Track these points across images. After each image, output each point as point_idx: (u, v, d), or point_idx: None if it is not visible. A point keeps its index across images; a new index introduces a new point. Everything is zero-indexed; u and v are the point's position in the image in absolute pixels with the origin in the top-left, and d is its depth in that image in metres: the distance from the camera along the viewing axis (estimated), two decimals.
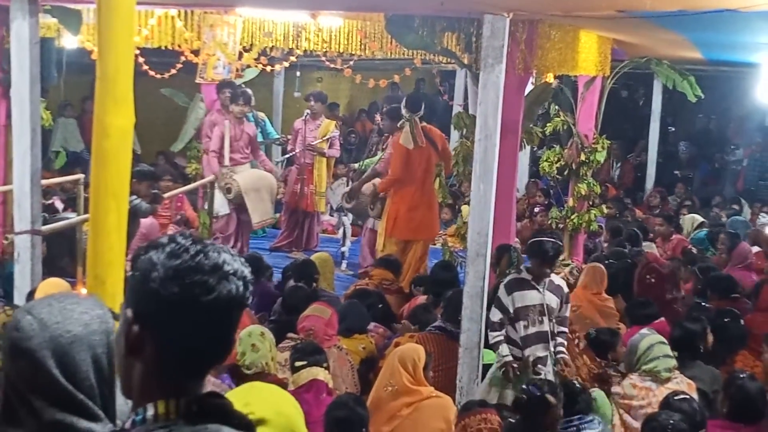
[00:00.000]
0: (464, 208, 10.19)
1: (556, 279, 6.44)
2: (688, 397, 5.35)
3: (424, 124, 9.52)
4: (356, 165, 11.44)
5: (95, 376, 2.03)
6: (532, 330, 6.22)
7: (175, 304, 1.77)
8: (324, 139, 11.28)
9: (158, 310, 1.78)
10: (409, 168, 9.36)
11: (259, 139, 12.29)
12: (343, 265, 10.55)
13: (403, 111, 9.38)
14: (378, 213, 9.76)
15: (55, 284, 6.69)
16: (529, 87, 8.16)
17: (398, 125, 9.58)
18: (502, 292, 6.25)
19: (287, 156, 12.13)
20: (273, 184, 10.81)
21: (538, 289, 6.25)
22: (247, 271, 1.84)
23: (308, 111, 11.26)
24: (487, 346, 6.30)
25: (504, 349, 6.17)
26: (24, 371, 2.02)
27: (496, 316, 6.24)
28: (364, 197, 10.11)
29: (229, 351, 1.88)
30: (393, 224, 9.53)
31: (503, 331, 6.22)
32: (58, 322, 2.03)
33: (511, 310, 6.21)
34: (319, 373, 5.52)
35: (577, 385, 5.49)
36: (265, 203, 10.63)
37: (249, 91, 11.87)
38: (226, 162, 10.28)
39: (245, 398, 2.57)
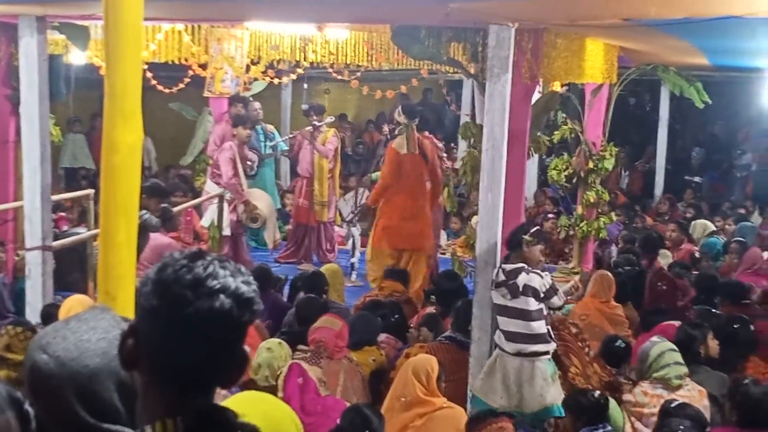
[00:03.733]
0: (474, 218, 10.21)
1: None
2: (683, 402, 5.34)
3: (418, 135, 9.59)
4: (373, 175, 11.46)
5: (120, 399, 2.02)
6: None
7: (155, 317, 1.77)
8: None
9: (143, 323, 1.79)
10: (399, 176, 9.41)
11: (268, 151, 12.38)
12: (353, 276, 10.55)
13: (401, 118, 9.49)
14: (369, 225, 9.87)
15: (80, 301, 6.71)
16: (536, 95, 8.17)
17: (395, 132, 9.68)
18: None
19: (288, 137, 12.41)
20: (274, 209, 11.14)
21: None
22: (246, 289, 1.79)
23: (314, 123, 11.33)
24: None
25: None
26: (47, 409, 2.00)
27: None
28: None
29: (232, 369, 1.84)
30: (382, 234, 9.57)
31: None
32: (75, 358, 1.99)
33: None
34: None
35: (592, 396, 5.49)
36: (275, 225, 10.95)
37: (257, 104, 11.99)
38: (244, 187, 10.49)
39: (236, 407, 2.56)
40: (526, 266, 6.17)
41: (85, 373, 1.98)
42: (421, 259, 9.66)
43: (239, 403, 2.83)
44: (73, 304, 6.60)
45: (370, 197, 9.85)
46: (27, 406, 1.96)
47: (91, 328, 2.06)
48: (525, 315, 6.15)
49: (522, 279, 6.14)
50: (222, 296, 1.76)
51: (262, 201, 10.61)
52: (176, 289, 1.75)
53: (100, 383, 1.99)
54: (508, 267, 6.20)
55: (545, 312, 6.22)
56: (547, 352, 6.21)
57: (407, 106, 9.85)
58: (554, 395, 6.16)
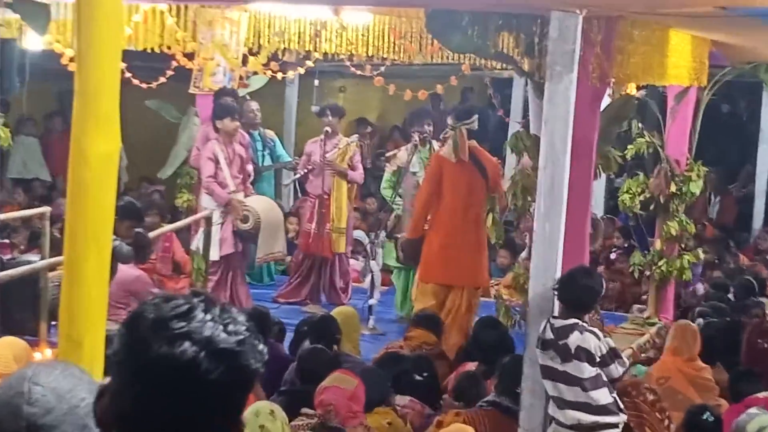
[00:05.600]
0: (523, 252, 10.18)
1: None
2: None
3: (475, 144, 9.55)
4: None
5: None
6: None
7: (119, 366, 1.83)
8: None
9: (112, 375, 1.86)
10: (441, 193, 9.37)
11: (267, 162, 12.34)
12: (370, 323, 10.51)
13: (449, 120, 9.50)
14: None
15: (10, 344, 6.73)
16: (606, 100, 8.18)
17: (441, 137, 9.70)
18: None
19: (295, 178, 12.18)
20: (282, 217, 10.96)
21: None
22: (224, 338, 1.80)
23: (327, 129, 11.27)
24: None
25: None
26: None
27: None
28: None
29: None
30: (425, 265, 9.54)
31: None
32: (71, 390, 2.10)
33: None
34: None
35: None
36: (278, 236, 10.80)
37: (254, 104, 12.01)
38: (231, 188, 10.36)
39: None
40: (579, 322, 6.16)
41: (83, 406, 2.06)
42: (474, 299, 9.56)
43: None
44: (2, 350, 6.65)
45: (410, 229, 9.78)
46: None
47: (67, 367, 2.17)
48: (579, 382, 6.13)
49: (574, 339, 6.12)
50: (186, 343, 1.77)
51: (256, 201, 10.55)
52: (138, 332, 1.79)
53: (92, 423, 2.06)
54: (558, 323, 6.18)
55: (604, 378, 6.19)
56: (613, 425, 6.17)
57: (459, 109, 9.96)
58: None
